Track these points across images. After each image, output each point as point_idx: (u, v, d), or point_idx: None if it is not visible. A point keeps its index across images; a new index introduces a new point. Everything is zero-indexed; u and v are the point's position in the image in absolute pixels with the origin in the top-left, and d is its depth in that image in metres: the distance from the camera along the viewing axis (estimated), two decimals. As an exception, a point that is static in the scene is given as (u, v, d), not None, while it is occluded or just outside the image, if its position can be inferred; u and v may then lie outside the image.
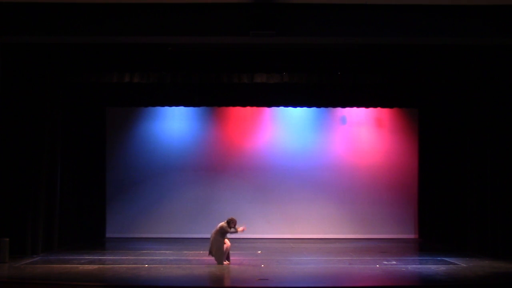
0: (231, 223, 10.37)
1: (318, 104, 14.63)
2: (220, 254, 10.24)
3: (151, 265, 9.99)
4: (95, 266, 9.93)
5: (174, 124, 15.31)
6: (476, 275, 9.17)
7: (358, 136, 15.41)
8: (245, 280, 8.89)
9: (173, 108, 15.05)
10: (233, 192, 15.14)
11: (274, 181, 15.20)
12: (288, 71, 12.33)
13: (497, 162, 11.50)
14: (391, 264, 10.36)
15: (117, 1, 9.29)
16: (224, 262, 10.31)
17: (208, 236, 10.09)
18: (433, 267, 10.05)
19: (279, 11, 9.29)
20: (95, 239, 14.17)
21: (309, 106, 14.74)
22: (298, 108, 14.96)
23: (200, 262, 10.65)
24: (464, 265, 10.21)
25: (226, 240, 10.43)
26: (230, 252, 10.45)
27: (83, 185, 13.81)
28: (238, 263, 10.71)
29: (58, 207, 12.14)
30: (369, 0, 9.30)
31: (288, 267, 10.04)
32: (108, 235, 14.91)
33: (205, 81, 12.50)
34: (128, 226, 14.99)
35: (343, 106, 14.80)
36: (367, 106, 14.76)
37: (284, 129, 15.37)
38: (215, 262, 10.24)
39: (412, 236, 15.10)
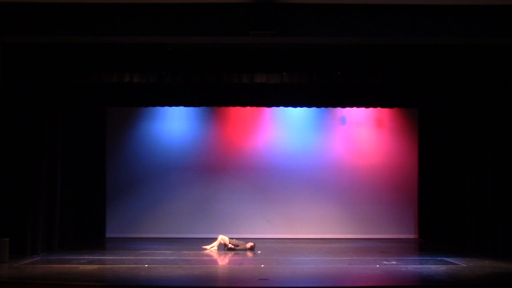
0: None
1: (318, 104, 14.62)
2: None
3: (151, 265, 9.99)
4: (95, 266, 9.93)
5: (174, 124, 15.30)
6: (476, 275, 9.17)
7: (358, 136, 15.41)
8: (245, 280, 8.89)
9: (173, 108, 15.04)
10: (233, 192, 15.14)
11: (274, 181, 15.20)
12: (288, 71, 12.32)
13: (497, 162, 11.50)
14: (391, 264, 10.36)
15: (117, 1, 9.30)
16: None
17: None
18: (433, 267, 10.05)
19: (279, 11, 9.29)
20: (95, 239, 14.17)
21: (309, 106, 14.73)
22: (298, 108, 14.95)
23: (200, 262, 10.66)
24: (464, 265, 10.21)
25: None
26: (231, 252, 10.56)
27: (83, 185, 13.80)
28: (238, 263, 10.72)
29: (58, 207, 12.14)
30: (369, 0, 9.30)
31: (288, 267, 10.04)
32: (108, 235, 14.91)
33: (205, 81, 12.50)
34: (128, 226, 14.98)
35: (343, 106, 14.79)
36: (367, 106, 14.75)
37: (284, 129, 15.37)
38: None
39: (412, 236, 15.10)
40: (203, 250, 12.17)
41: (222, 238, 12.37)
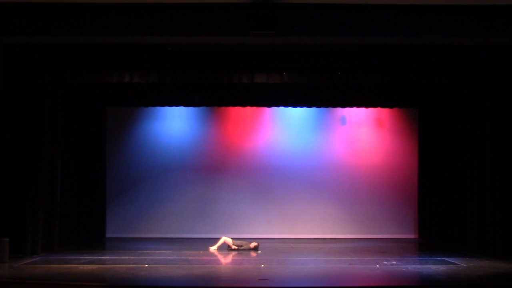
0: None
1: (318, 104, 14.63)
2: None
3: (151, 265, 9.99)
4: (95, 266, 9.93)
5: (174, 124, 15.31)
6: (476, 275, 9.17)
7: (358, 136, 15.41)
8: (245, 280, 8.89)
9: (173, 108, 15.05)
10: (233, 192, 15.15)
11: (274, 181, 15.20)
12: (288, 71, 12.32)
13: (497, 162, 11.50)
14: (391, 264, 10.36)
15: (117, 1, 9.29)
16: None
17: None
18: (433, 267, 10.05)
19: (279, 11, 9.28)
20: (95, 239, 14.17)
21: (309, 106, 14.74)
22: (298, 108, 14.96)
23: (200, 262, 10.66)
24: (464, 265, 10.21)
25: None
26: (232, 252, 10.59)
27: (83, 185, 13.80)
28: (238, 263, 10.73)
29: (58, 207, 12.13)
30: (369, 0, 9.30)
31: (288, 267, 10.04)
32: (108, 235, 14.92)
33: (205, 81, 12.49)
34: (128, 226, 14.99)
35: (343, 106, 14.80)
36: (367, 106, 14.75)
37: (284, 129, 15.37)
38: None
39: (412, 236, 15.10)
40: (206, 250, 12.16)
41: (225, 240, 12.36)
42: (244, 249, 12.22)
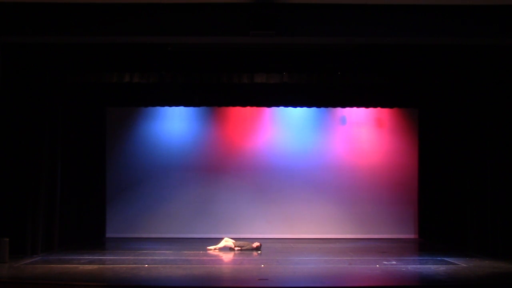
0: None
1: (318, 104, 14.64)
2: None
3: (151, 265, 9.99)
4: (95, 266, 9.93)
5: (174, 124, 15.30)
6: (476, 275, 9.18)
7: (358, 136, 15.40)
8: (245, 280, 8.89)
9: (173, 108, 15.05)
10: (233, 192, 15.14)
11: (274, 181, 15.19)
12: (288, 71, 12.31)
13: (497, 162, 11.50)
14: (391, 264, 10.36)
15: (117, 1, 9.29)
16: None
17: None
18: (433, 267, 10.06)
19: (279, 11, 9.28)
20: (95, 239, 14.16)
21: (309, 106, 14.74)
22: (298, 108, 14.96)
23: (200, 262, 10.66)
24: (464, 265, 10.22)
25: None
26: (233, 252, 10.59)
27: (83, 185, 13.80)
28: (238, 263, 10.73)
29: (58, 207, 12.13)
30: (369, 0, 9.30)
31: (288, 267, 10.04)
32: (108, 235, 14.91)
33: (205, 81, 12.49)
34: (128, 226, 14.98)
35: (343, 106, 14.80)
36: (367, 106, 14.76)
37: (284, 129, 15.36)
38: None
39: (412, 236, 15.09)
40: (206, 250, 12.17)
41: (226, 244, 12.29)
42: (246, 249, 12.21)
